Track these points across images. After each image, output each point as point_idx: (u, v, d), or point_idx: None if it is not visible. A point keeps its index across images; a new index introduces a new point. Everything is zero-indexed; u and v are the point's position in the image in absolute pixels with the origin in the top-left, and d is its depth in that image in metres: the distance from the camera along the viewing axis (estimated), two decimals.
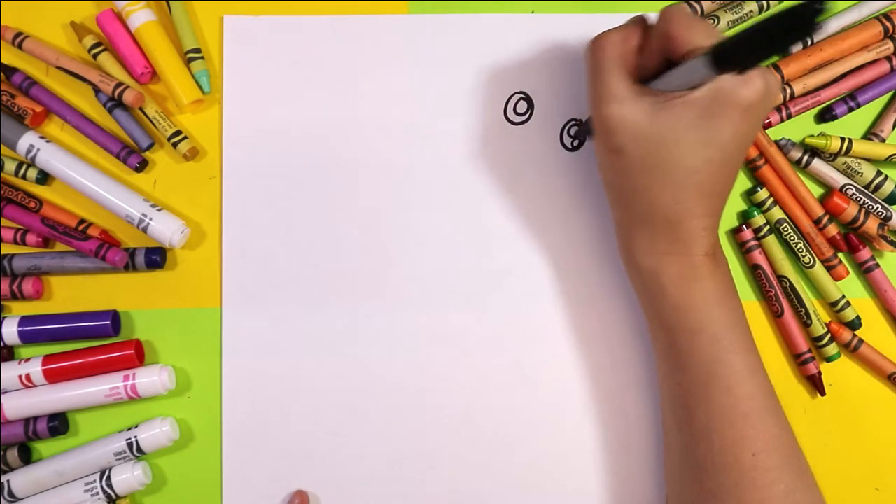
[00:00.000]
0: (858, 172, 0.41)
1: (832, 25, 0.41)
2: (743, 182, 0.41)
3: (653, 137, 0.32)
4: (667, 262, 0.34)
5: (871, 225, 0.40)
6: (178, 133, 0.40)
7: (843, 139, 0.40)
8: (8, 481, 0.38)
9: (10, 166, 0.39)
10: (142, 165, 0.40)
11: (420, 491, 0.40)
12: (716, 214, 0.34)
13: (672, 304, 0.34)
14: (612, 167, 0.35)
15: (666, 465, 0.38)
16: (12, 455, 0.38)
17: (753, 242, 0.40)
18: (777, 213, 0.40)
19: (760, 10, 0.41)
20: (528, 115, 0.41)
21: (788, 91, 0.40)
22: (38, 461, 0.39)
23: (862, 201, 0.40)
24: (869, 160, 0.41)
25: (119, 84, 0.39)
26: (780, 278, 0.40)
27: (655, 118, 0.32)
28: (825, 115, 0.41)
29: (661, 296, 0.34)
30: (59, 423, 0.39)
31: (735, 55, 0.29)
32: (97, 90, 0.39)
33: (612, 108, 0.33)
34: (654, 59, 0.34)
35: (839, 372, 0.41)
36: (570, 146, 0.40)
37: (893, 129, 0.41)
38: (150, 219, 0.38)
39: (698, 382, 0.34)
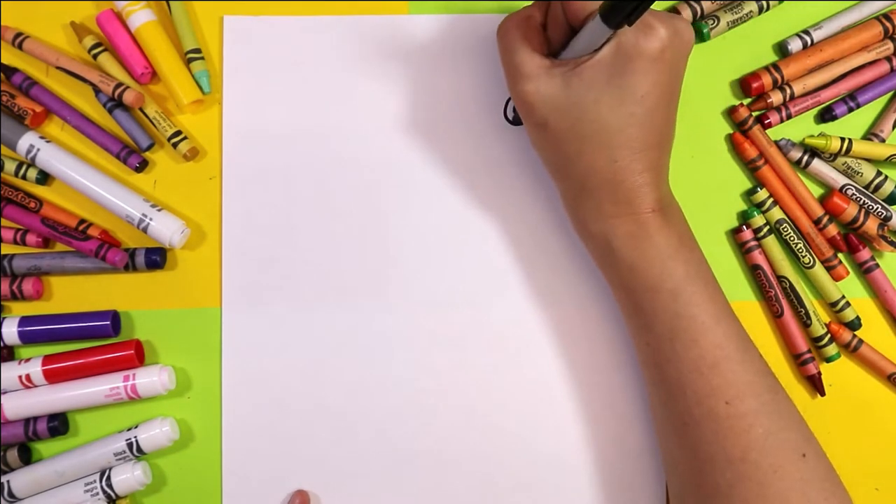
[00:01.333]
0: (858, 173, 0.41)
1: (832, 25, 0.41)
2: (743, 182, 0.41)
3: (572, 105, 0.33)
4: (614, 224, 0.34)
5: (871, 225, 0.40)
6: (178, 133, 0.40)
7: (842, 139, 0.40)
8: (8, 481, 0.38)
9: (10, 166, 0.39)
10: (142, 165, 0.40)
11: (420, 490, 0.40)
12: (655, 168, 0.34)
13: (627, 265, 0.34)
14: (541, 142, 0.35)
15: (654, 425, 0.38)
16: (12, 455, 0.38)
17: (753, 243, 0.40)
18: (777, 213, 0.40)
19: (760, 10, 0.41)
20: None
21: (788, 91, 0.40)
22: (38, 461, 0.39)
23: (862, 201, 0.40)
24: (869, 160, 0.41)
25: (119, 84, 0.39)
26: (780, 278, 0.40)
27: (569, 87, 0.33)
28: (825, 116, 0.41)
29: (615, 258, 0.35)
30: (59, 424, 0.39)
31: (618, 8, 0.29)
32: (97, 90, 0.39)
33: (526, 86, 0.34)
34: (560, 32, 0.34)
35: (839, 372, 0.41)
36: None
37: (893, 129, 0.41)
38: (150, 219, 0.38)
39: (664, 339, 0.34)
